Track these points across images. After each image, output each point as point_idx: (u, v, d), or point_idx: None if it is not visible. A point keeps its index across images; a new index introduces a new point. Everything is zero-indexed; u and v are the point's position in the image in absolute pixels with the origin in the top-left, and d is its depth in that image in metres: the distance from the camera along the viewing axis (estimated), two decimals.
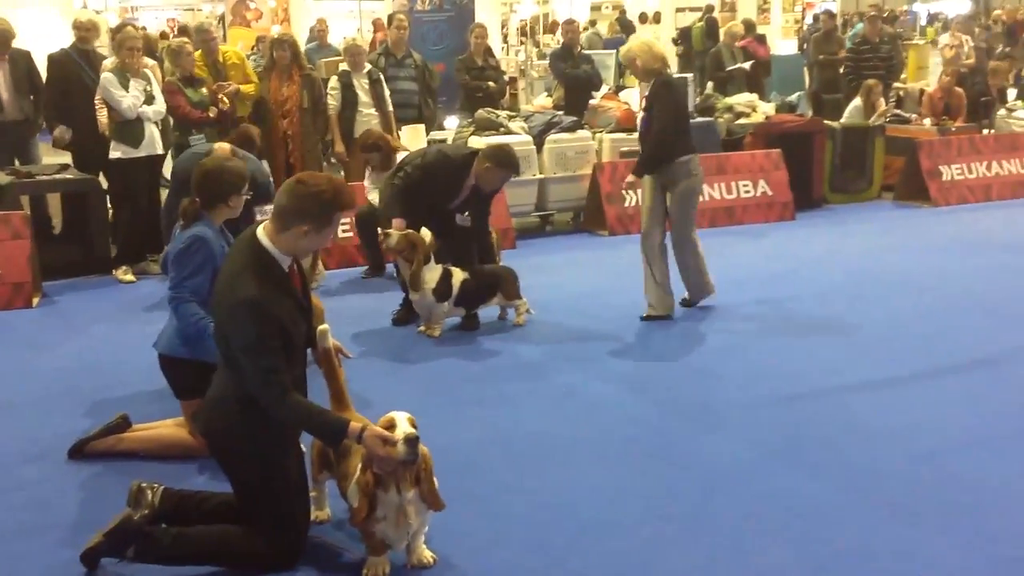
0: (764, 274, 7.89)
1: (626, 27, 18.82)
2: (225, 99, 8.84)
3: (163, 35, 16.30)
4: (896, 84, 14.00)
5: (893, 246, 8.78)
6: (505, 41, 15.17)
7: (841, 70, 13.55)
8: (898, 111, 12.36)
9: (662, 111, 6.55)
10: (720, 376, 5.59)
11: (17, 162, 9.01)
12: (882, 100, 11.79)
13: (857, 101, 11.67)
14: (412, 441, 3.35)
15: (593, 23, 21.24)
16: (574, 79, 11.36)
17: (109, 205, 8.74)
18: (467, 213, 6.69)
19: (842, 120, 11.47)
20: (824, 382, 5.44)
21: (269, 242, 3.55)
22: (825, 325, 6.54)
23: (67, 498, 4.26)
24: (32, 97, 8.99)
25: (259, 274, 3.50)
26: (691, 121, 10.58)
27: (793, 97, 12.60)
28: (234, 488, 3.70)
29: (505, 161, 6.55)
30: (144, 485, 3.72)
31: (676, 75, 11.18)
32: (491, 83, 11.10)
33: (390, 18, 10.89)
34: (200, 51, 9.23)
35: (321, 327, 3.94)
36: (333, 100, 9.49)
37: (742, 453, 4.54)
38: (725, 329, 6.50)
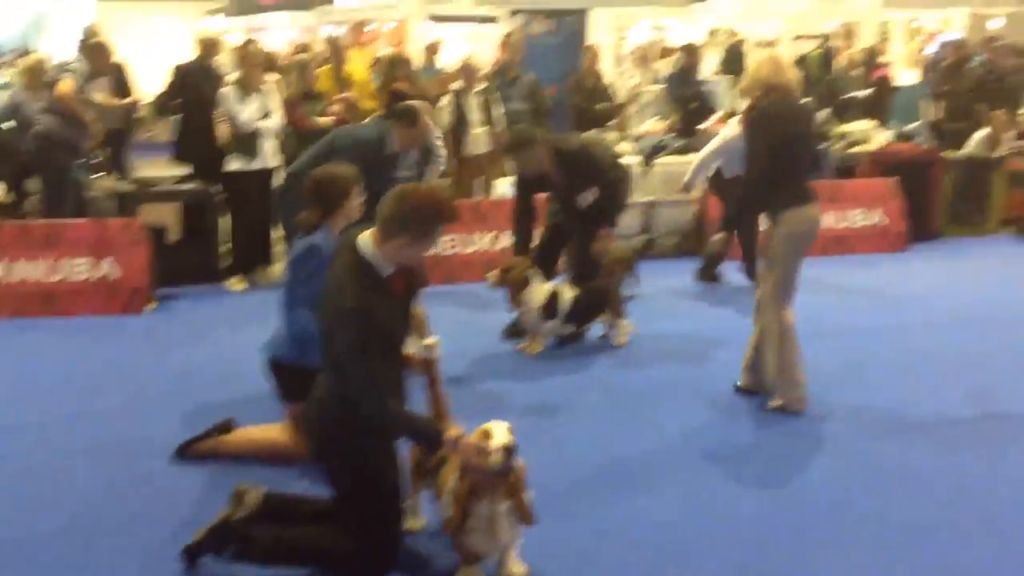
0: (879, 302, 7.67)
1: (732, 59, 18.03)
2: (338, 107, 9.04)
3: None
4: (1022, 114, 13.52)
5: (1014, 279, 8.46)
6: (618, 65, 15.16)
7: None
8: (1021, 142, 11.92)
9: (753, 151, 5.26)
10: (855, 393, 5.44)
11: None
12: (1010, 132, 11.40)
13: (982, 132, 11.32)
14: (508, 450, 3.34)
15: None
16: (690, 103, 11.29)
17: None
18: (582, 194, 6.61)
19: (965, 151, 11.14)
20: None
21: (372, 249, 3.58)
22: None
23: (174, 496, 4.37)
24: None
25: (360, 281, 3.53)
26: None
27: (911, 127, 12.29)
28: (332, 490, 3.74)
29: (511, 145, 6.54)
30: (246, 487, 3.79)
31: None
32: (603, 104, 11.11)
33: (504, 39, 11.00)
34: (330, 66, 9.48)
35: (428, 341, 3.95)
36: (445, 117, 9.59)
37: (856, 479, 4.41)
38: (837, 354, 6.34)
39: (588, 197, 6.61)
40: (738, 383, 5.61)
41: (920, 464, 4.66)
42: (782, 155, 5.11)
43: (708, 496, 4.29)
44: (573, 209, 6.70)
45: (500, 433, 3.39)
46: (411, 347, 4.09)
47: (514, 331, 6.83)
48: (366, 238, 3.61)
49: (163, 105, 9.27)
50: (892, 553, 3.82)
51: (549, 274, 6.72)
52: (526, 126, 6.84)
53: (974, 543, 3.90)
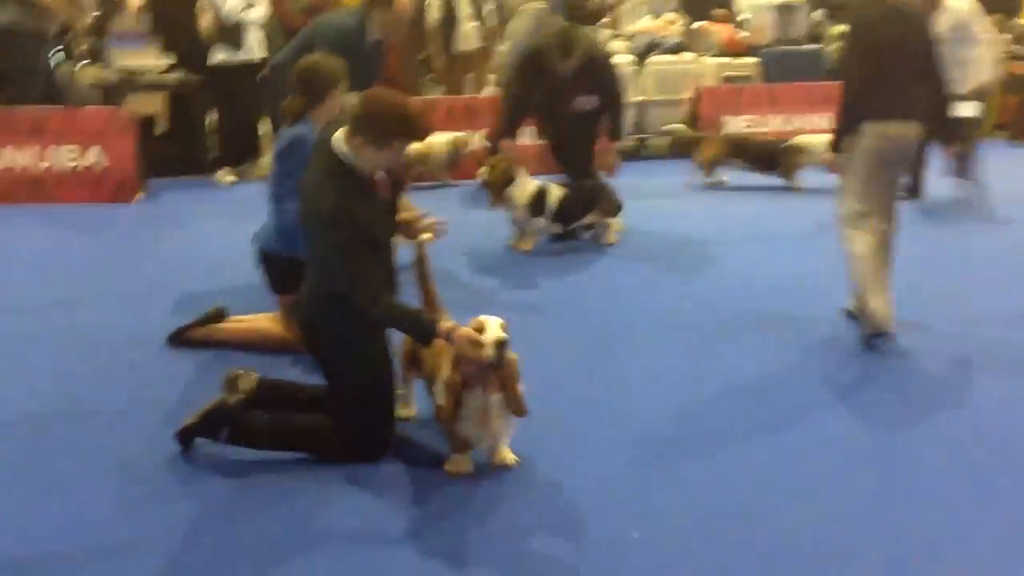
0: None
1: None
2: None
3: None
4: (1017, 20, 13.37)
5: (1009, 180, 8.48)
6: None
7: None
8: (1017, 46, 11.82)
9: (844, 57, 4.99)
10: (824, 307, 5.50)
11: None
12: (1006, 36, 11.29)
13: None
14: (501, 344, 3.37)
15: None
16: None
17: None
18: (583, 95, 6.62)
19: None
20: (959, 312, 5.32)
21: (346, 148, 3.56)
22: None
23: (166, 381, 4.40)
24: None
25: (337, 181, 3.52)
26: (800, 48, 10.45)
27: None
28: (325, 380, 3.78)
29: (556, 44, 6.41)
30: (239, 372, 3.83)
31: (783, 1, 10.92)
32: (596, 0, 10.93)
33: None
34: None
35: (422, 237, 3.96)
36: (435, 11, 9.44)
37: (844, 379, 4.48)
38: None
39: (589, 102, 6.60)
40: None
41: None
42: (872, 64, 4.71)
43: (690, 395, 4.34)
44: (564, 111, 6.68)
45: (493, 327, 3.41)
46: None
47: None
48: (339, 136, 3.58)
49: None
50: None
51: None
52: (569, 27, 6.68)
53: None
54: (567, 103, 6.66)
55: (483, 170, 6.60)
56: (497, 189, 6.41)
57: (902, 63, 4.74)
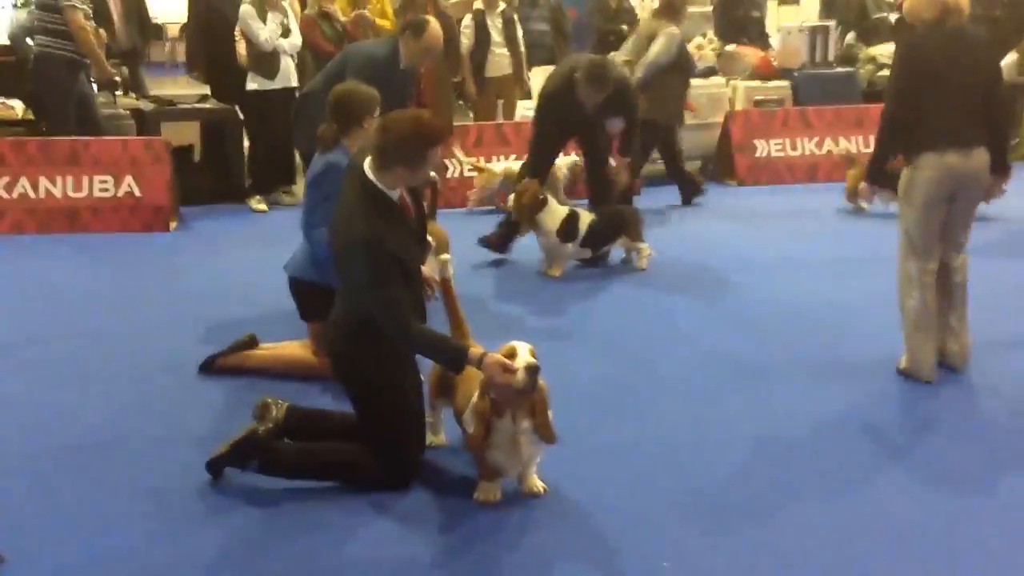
0: None
1: None
2: (356, 28, 8.94)
3: None
4: None
5: None
6: None
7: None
8: None
9: (893, 83, 4.68)
10: (855, 333, 5.43)
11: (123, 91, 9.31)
12: None
13: (1013, 55, 11.09)
14: (532, 370, 3.36)
15: None
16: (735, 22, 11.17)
17: (245, 136, 8.97)
18: (611, 120, 6.74)
19: None
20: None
21: (374, 175, 3.60)
22: None
23: (198, 410, 4.42)
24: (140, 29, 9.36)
25: (369, 209, 3.57)
26: (832, 71, 10.40)
27: None
28: (354, 408, 3.78)
29: (590, 75, 6.40)
30: (270, 401, 3.84)
31: (814, 23, 10.88)
32: (624, 26, 10.95)
33: None
34: None
35: (443, 257, 3.99)
36: (466, 39, 9.50)
37: (863, 410, 4.42)
38: (861, 279, 6.31)
39: (617, 124, 6.68)
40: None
41: None
42: (931, 91, 4.46)
43: (724, 432, 4.29)
44: (594, 136, 6.76)
45: (524, 353, 3.40)
46: (428, 265, 4.14)
47: (492, 238, 6.87)
48: (368, 166, 3.62)
49: (192, 31, 9.17)
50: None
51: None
52: (602, 60, 6.77)
53: None
54: (600, 127, 6.76)
55: (512, 197, 6.61)
56: (528, 215, 6.40)
57: (964, 89, 4.49)
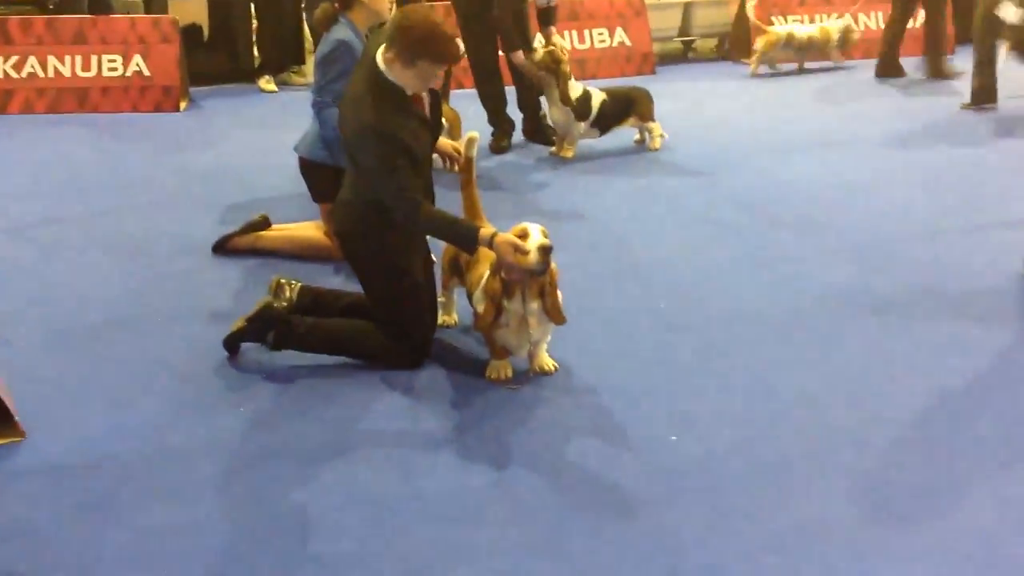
0: None
1: None
2: None
3: None
4: None
5: None
6: None
7: None
8: None
9: None
10: (865, 208, 5.42)
11: None
12: None
13: None
14: (545, 250, 3.37)
15: None
16: None
17: (254, 15, 8.84)
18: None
19: None
20: (974, 219, 5.24)
21: (386, 66, 3.56)
22: (979, 161, 6.27)
23: (212, 288, 4.48)
24: None
25: (377, 98, 3.55)
26: None
27: None
28: (364, 288, 3.83)
29: None
30: (283, 280, 3.88)
31: None
32: None
33: None
34: None
35: (470, 134, 3.96)
36: None
37: (879, 284, 4.43)
38: (873, 161, 6.28)
39: None
40: None
41: None
42: None
43: (735, 295, 4.34)
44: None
45: (536, 234, 3.41)
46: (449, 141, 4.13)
47: (496, 144, 6.74)
48: (380, 55, 3.58)
49: None
50: None
51: None
52: None
53: None
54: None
55: (539, 53, 6.38)
56: (555, 73, 6.28)
57: None
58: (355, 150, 3.63)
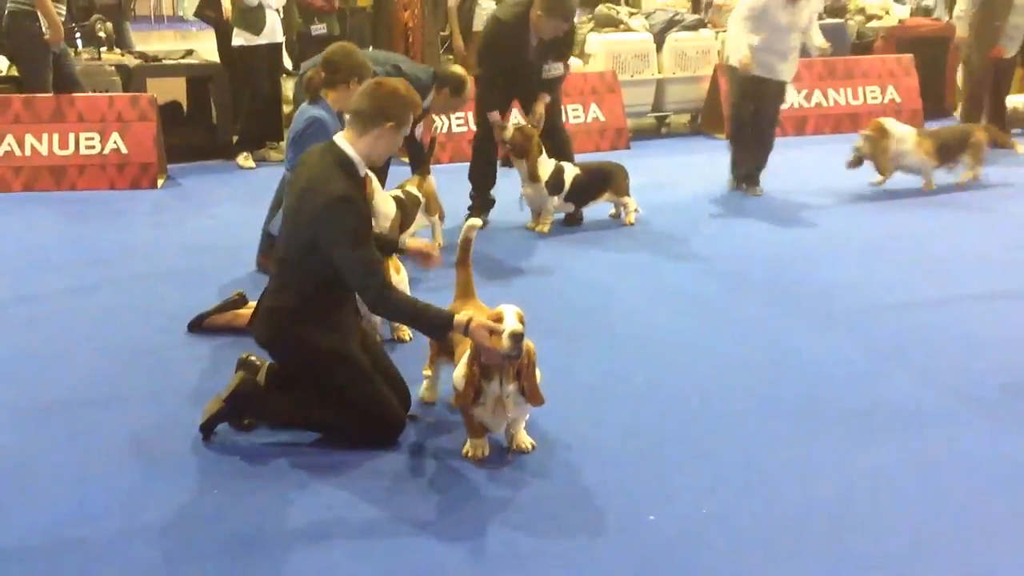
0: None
1: None
2: None
3: None
4: None
5: None
6: None
7: None
8: None
9: None
10: (833, 281, 5.48)
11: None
12: None
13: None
14: (517, 337, 3.37)
15: None
16: None
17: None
18: (551, 64, 6.58)
19: None
20: (938, 292, 5.30)
21: (349, 147, 3.63)
22: (941, 233, 6.36)
23: (186, 366, 4.44)
24: None
25: (345, 174, 3.59)
26: (820, 22, 10.35)
27: (930, 0, 12.02)
28: (320, 390, 3.76)
29: (551, 9, 6.29)
30: (253, 358, 3.88)
31: None
32: None
33: None
34: None
35: (473, 220, 4.07)
36: None
37: (851, 355, 4.47)
38: (839, 235, 6.37)
39: (557, 69, 6.58)
40: None
41: (921, 338, 4.69)
42: None
43: (727, 371, 4.35)
44: (531, 81, 6.59)
45: (510, 317, 3.42)
46: (410, 240, 4.23)
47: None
48: (342, 137, 3.66)
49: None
50: None
51: None
52: None
53: None
54: (534, 74, 6.59)
55: (508, 131, 6.41)
56: (525, 153, 6.34)
57: None
58: (322, 226, 3.54)
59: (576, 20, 10.12)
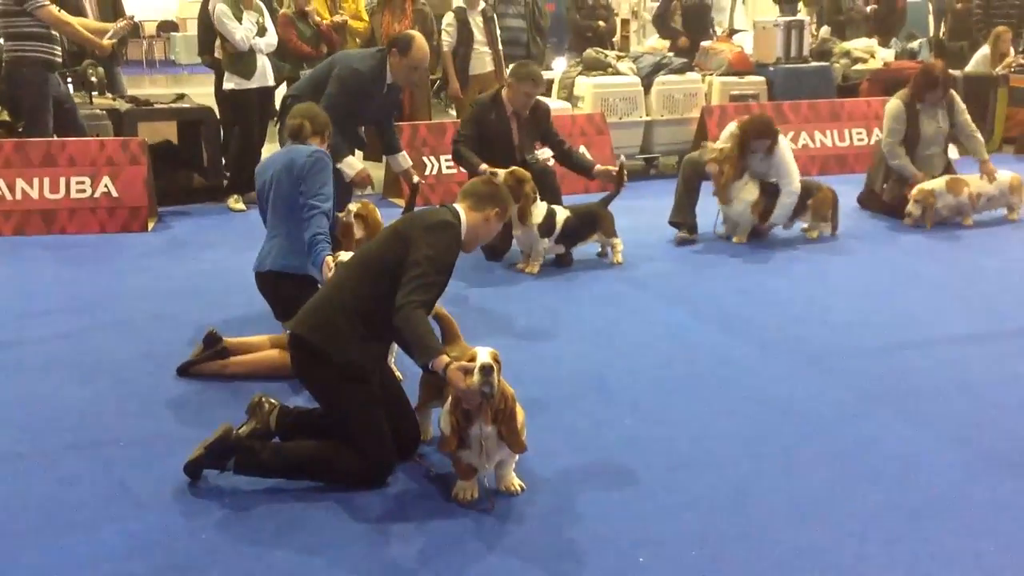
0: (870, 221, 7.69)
1: None
2: (332, 30, 8.99)
3: None
4: None
5: None
6: None
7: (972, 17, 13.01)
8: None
9: None
10: (822, 321, 5.51)
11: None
12: (1011, 49, 11.30)
13: (984, 50, 11.21)
14: (486, 369, 3.37)
15: None
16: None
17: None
18: (541, 148, 6.86)
19: (967, 69, 11.04)
20: (929, 332, 5.32)
21: (464, 216, 3.86)
22: (933, 275, 6.39)
23: (175, 411, 4.43)
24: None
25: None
26: (806, 65, 10.49)
27: (915, 44, 12.18)
28: (323, 406, 3.85)
29: (520, 74, 6.58)
30: (264, 399, 3.92)
31: (789, 18, 10.98)
32: (601, 22, 11.00)
33: None
34: None
35: None
36: (448, 37, 9.50)
37: (841, 397, 4.48)
38: (826, 277, 6.40)
39: (543, 153, 6.87)
40: None
41: (911, 381, 4.71)
42: None
43: (715, 414, 4.36)
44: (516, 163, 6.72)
45: (483, 355, 3.43)
46: None
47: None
48: (460, 206, 3.92)
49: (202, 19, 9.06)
50: None
51: None
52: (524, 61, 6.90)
53: None
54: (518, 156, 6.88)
55: (500, 175, 6.35)
56: (518, 197, 6.34)
57: None
58: (424, 235, 3.69)
59: (566, 65, 10.32)
